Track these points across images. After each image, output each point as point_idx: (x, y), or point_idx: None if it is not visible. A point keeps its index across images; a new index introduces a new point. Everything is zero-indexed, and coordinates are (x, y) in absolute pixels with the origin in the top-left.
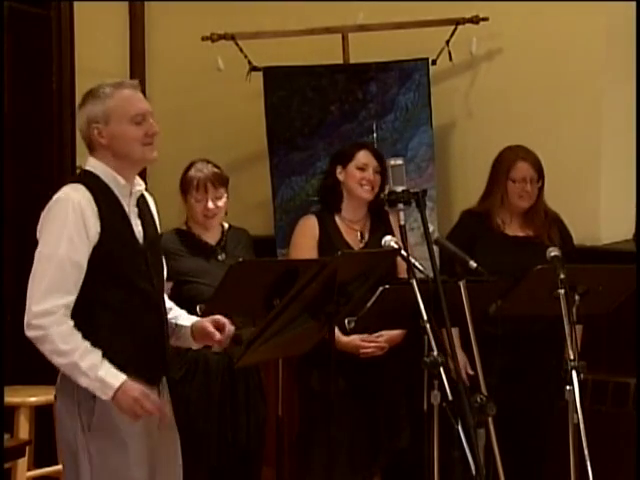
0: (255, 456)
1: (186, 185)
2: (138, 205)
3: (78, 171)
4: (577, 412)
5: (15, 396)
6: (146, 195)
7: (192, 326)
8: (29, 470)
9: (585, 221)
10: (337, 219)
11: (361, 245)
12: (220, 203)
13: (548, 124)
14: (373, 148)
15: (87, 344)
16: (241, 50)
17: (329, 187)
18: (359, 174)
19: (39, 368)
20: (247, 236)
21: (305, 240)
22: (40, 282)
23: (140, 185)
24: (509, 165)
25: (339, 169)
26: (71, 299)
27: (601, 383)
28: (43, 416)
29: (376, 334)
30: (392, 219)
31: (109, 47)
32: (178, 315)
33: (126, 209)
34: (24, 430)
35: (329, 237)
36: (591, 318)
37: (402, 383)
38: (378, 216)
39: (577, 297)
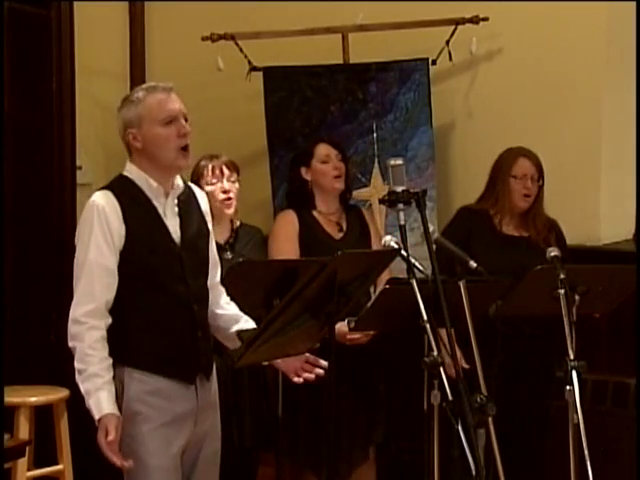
0: (253, 455)
1: (198, 173)
2: (179, 204)
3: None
4: (577, 412)
5: (15, 396)
6: (196, 192)
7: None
8: (29, 470)
9: (585, 221)
10: (314, 213)
11: (341, 235)
12: (234, 187)
13: (548, 124)
14: (329, 139)
15: (97, 368)
16: (241, 50)
17: (298, 191)
18: (325, 167)
19: (39, 368)
20: (259, 234)
21: (286, 231)
22: (75, 288)
23: (179, 186)
24: (511, 162)
25: (304, 170)
26: (102, 303)
27: (601, 383)
28: (43, 416)
29: None
30: (366, 215)
31: (109, 47)
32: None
33: (160, 210)
34: (24, 430)
35: (310, 229)
36: (591, 318)
37: (380, 367)
38: (350, 208)
39: (577, 297)
